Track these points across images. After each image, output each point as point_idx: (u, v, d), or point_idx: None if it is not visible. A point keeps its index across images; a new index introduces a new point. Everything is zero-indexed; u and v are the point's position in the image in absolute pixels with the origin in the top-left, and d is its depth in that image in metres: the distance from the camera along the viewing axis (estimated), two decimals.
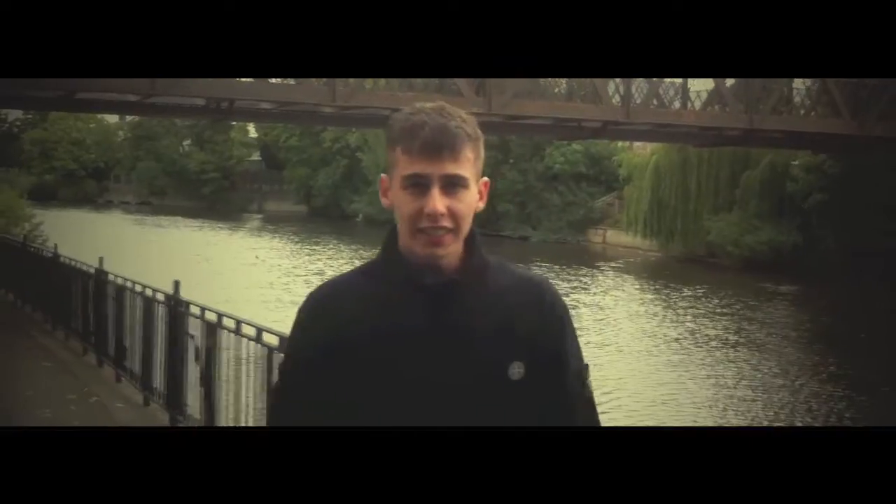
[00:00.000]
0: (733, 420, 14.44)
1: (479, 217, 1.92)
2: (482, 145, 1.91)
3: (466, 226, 1.88)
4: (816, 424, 14.41)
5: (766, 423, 14.29)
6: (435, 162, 1.83)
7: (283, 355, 1.96)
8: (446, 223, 1.84)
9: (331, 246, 49.17)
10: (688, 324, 24.66)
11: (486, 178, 1.94)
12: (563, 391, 1.91)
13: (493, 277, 1.93)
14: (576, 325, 2.01)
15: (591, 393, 1.97)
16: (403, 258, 1.88)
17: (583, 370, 1.98)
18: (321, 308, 1.92)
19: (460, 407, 1.81)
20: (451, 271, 1.89)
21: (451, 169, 1.84)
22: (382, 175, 1.94)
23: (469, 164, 1.86)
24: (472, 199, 1.89)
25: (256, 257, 40.60)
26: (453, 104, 1.89)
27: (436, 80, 26.43)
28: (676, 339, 22.14)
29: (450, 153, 1.84)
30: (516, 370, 1.86)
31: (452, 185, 1.84)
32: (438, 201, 1.83)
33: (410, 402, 1.81)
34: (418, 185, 1.84)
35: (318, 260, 41.32)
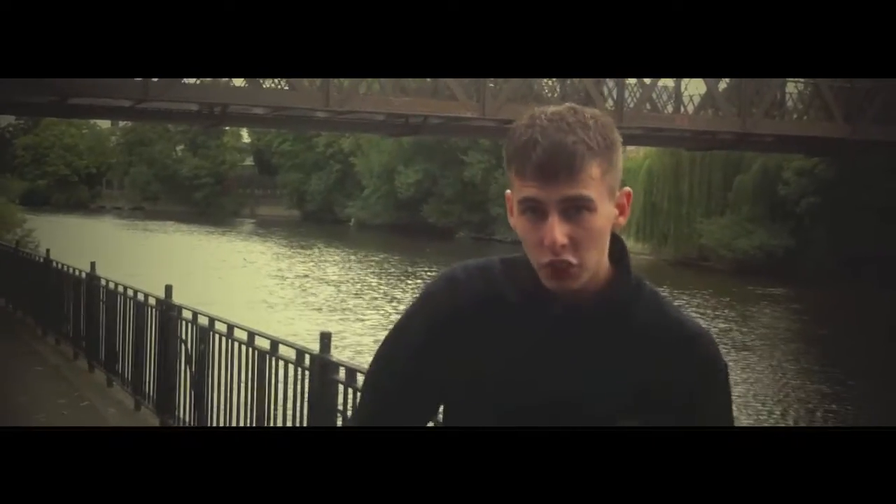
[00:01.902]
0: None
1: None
2: (617, 152, 1.64)
3: (595, 252, 1.63)
4: (796, 425, 14.47)
5: (744, 423, 14.32)
6: (550, 185, 1.59)
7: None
8: (570, 254, 1.61)
9: (317, 249, 49.29)
10: None
11: (627, 189, 1.68)
12: None
13: (641, 312, 1.69)
14: None
15: None
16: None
17: None
18: (447, 296, 1.73)
19: None
20: (589, 295, 1.67)
21: (570, 191, 1.59)
22: (508, 193, 1.71)
23: (594, 182, 1.60)
24: (603, 220, 1.63)
25: (244, 260, 40.74)
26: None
27: (430, 85, 26.44)
28: None
29: (567, 174, 1.58)
30: (630, 425, 1.67)
31: (575, 209, 1.60)
32: (557, 230, 1.59)
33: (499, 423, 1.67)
34: (535, 211, 1.61)
35: (303, 263, 41.42)
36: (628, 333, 1.68)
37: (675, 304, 1.77)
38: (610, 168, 1.63)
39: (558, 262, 1.61)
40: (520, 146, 1.61)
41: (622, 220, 1.68)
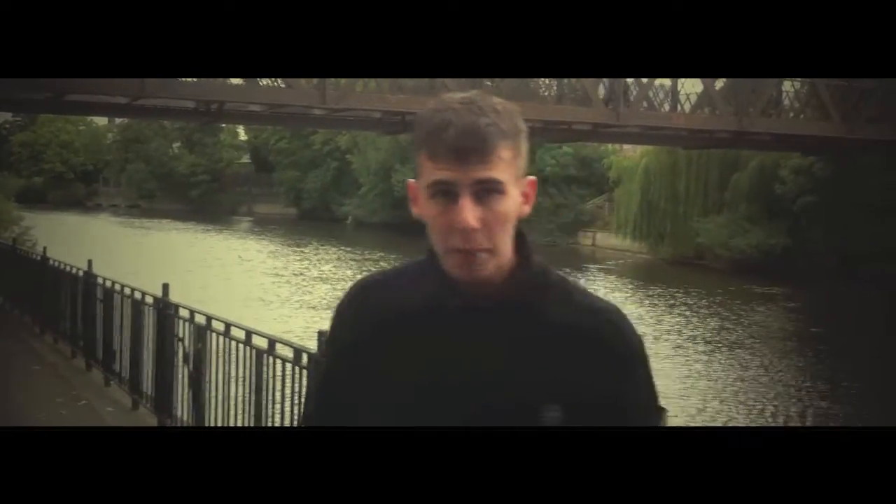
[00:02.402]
0: (702, 418, 14.44)
1: None
2: (524, 140, 1.65)
3: (505, 238, 1.63)
4: (786, 423, 14.48)
5: (736, 423, 14.29)
6: (463, 167, 1.59)
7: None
8: (481, 239, 1.60)
9: (313, 246, 49.31)
10: (665, 322, 24.86)
11: (532, 177, 1.68)
12: None
13: (549, 301, 1.68)
14: None
15: None
16: (442, 270, 1.66)
17: (650, 418, 1.72)
18: (355, 305, 1.78)
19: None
20: (494, 288, 1.65)
21: (482, 173, 1.59)
22: (410, 181, 1.70)
23: (505, 166, 1.61)
24: (512, 206, 1.63)
25: (239, 257, 40.78)
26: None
27: (426, 82, 26.42)
28: (655, 339, 22.31)
29: (479, 156, 1.59)
30: (551, 415, 1.63)
31: (486, 191, 1.60)
32: (469, 212, 1.59)
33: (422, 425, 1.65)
34: (446, 194, 1.61)
35: (298, 261, 41.44)
36: (539, 323, 1.67)
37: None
38: (518, 154, 1.64)
39: (469, 249, 1.60)
40: (432, 129, 1.61)
41: (527, 209, 1.67)
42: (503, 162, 1.61)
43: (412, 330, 1.69)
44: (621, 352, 1.68)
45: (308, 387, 1.48)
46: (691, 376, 17.94)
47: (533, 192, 1.68)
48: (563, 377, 1.64)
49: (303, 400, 5.06)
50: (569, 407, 1.63)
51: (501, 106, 1.64)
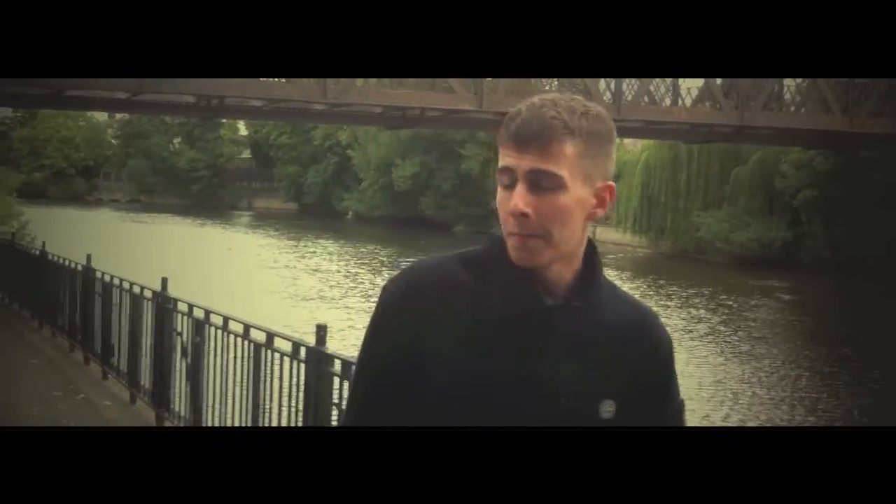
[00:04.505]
0: (707, 411, 14.46)
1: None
2: (602, 143, 1.65)
3: (563, 233, 1.63)
4: (786, 420, 14.51)
5: (735, 419, 14.29)
6: (522, 155, 1.61)
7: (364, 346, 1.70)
8: (532, 227, 1.61)
9: (310, 241, 49.37)
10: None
11: (610, 183, 1.68)
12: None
13: (604, 304, 1.72)
14: None
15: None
16: (516, 266, 1.66)
17: (681, 409, 1.80)
18: (415, 301, 1.69)
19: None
20: (565, 289, 1.68)
21: (537, 164, 1.61)
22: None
23: (566, 161, 1.61)
24: (571, 203, 1.63)
25: (229, 249, 40.81)
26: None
27: (427, 79, 26.38)
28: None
29: (537, 146, 1.61)
30: (607, 409, 1.68)
31: (540, 182, 1.61)
32: (520, 199, 1.61)
33: (486, 423, 1.64)
34: (507, 182, 1.64)
35: (296, 253, 41.51)
36: (597, 322, 1.70)
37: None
38: (588, 153, 1.64)
39: (521, 233, 1.62)
40: (506, 119, 1.67)
41: (599, 212, 1.69)
42: (565, 157, 1.62)
43: (501, 327, 1.66)
44: (665, 348, 1.76)
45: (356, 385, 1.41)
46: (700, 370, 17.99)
47: (609, 196, 1.68)
48: (617, 369, 1.70)
49: (301, 394, 5.05)
50: (620, 397, 1.69)
51: (584, 108, 1.65)
